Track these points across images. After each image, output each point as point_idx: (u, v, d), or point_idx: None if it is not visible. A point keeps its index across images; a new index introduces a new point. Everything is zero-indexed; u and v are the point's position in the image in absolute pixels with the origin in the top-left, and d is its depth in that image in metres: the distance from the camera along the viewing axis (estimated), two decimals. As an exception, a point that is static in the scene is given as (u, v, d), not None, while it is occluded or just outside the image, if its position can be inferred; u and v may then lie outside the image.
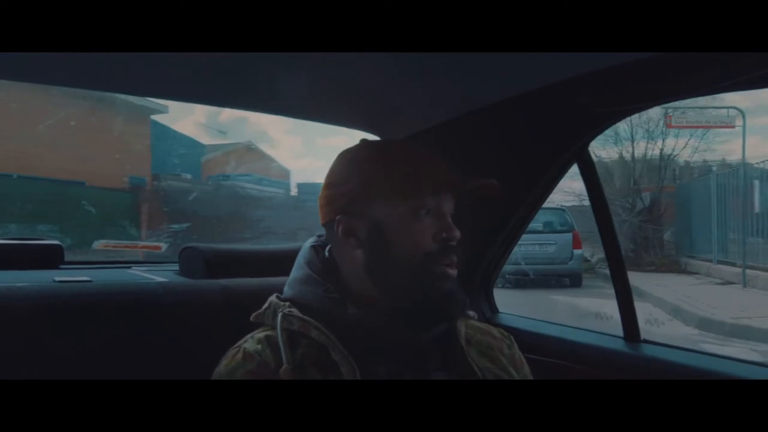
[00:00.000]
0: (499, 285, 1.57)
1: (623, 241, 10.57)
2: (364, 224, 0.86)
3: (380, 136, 1.47)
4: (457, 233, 0.86)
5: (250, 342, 0.84)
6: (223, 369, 0.82)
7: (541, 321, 1.49)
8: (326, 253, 0.92)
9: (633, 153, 11.22)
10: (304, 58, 1.01)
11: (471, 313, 0.96)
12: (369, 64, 1.06)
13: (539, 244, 8.11)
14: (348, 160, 0.90)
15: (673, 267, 9.83)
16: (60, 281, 1.17)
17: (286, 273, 0.94)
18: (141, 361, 0.99)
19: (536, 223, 8.29)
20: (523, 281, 7.66)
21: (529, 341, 1.15)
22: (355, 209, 0.86)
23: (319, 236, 0.96)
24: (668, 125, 10.92)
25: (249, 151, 12.67)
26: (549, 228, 8.39)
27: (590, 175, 1.28)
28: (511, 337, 0.98)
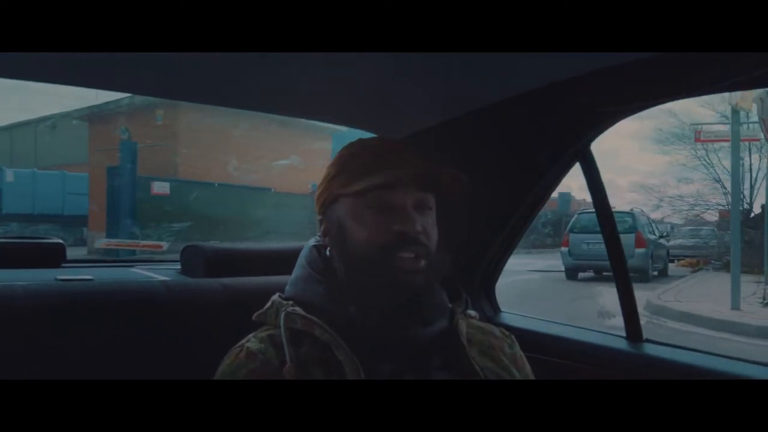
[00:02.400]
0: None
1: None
2: (332, 223, 0.89)
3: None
4: (416, 226, 0.83)
5: (253, 341, 0.84)
6: (226, 368, 0.82)
7: (543, 320, 1.49)
8: (327, 252, 0.92)
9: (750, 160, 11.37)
10: (305, 58, 1.01)
11: (472, 312, 0.96)
12: (369, 64, 1.07)
13: (603, 243, 8.81)
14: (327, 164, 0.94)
15: (761, 270, 9.93)
16: (62, 280, 1.17)
17: (288, 272, 0.94)
18: (142, 360, 0.99)
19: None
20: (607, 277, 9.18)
21: (530, 340, 1.15)
22: (326, 210, 0.91)
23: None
24: (697, 139, 11.03)
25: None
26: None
27: (593, 174, 1.27)
28: (513, 337, 0.98)
